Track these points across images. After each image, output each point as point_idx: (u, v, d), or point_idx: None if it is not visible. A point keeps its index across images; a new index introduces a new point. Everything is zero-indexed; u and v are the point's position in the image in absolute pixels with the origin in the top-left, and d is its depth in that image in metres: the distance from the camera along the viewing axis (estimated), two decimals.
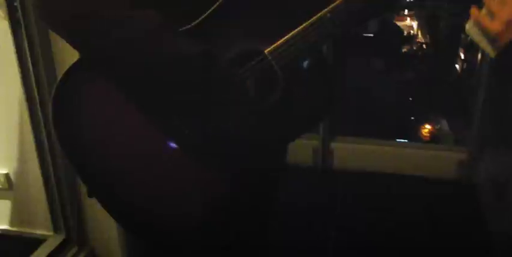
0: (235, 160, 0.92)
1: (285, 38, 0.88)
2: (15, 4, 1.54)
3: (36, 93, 1.61)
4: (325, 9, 0.88)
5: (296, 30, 0.88)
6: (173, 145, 0.88)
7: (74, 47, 0.87)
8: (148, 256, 1.07)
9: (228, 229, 0.99)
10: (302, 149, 2.48)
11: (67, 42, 0.87)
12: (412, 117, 6.95)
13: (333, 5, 0.88)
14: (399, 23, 8.95)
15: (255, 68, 0.89)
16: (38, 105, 1.62)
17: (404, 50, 8.96)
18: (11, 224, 1.83)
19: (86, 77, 0.88)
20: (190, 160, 0.89)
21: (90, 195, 0.92)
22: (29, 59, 1.58)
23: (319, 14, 0.88)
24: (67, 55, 1.56)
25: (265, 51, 0.87)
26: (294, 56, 0.89)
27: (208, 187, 0.91)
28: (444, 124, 7.08)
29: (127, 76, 0.85)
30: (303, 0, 0.92)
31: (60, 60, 1.59)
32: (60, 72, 1.59)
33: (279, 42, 0.88)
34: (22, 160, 1.72)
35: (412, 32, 9.04)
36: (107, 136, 0.88)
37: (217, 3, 0.85)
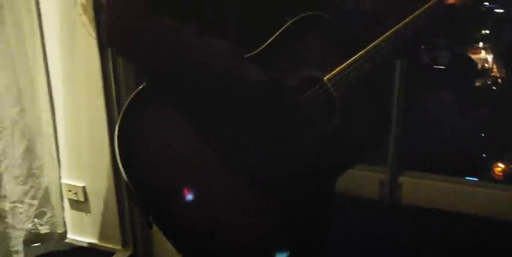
0: (295, 186, 0.94)
1: (343, 66, 0.93)
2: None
3: (116, 112, 1.71)
4: (380, 38, 0.94)
5: (353, 58, 0.93)
6: (237, 171, 0.90)
7: (144, 70, 0.91)
8: None
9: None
10: (368, 181, 2.44)
11: (136, 65, 0.93)
12: (484, 155, 6.67)
13: (387, 34, 0.94)
14: (473, 56, 8.69)
15: (315, 94, 0.93)
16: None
17: (477, 84, 8.67)
18: (85, 235, 1.92)
19: (152, 102, 0.90)
20: (253, 187, 0.91)
21: (150, 225, 0.93)
22: (112, 79, 1.68)
23: (374, 43, 0.94)
24: None
25: (325, 78, 0.92)
26: (351, 83, 0.94)
27: (267, 214, 0.93)
28: None
29: (195, 101, 0.87)
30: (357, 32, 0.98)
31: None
32: None
33: (336, 70, 0.93)
34: (99, 174, 1.81)
35: (486, 65, 8.75)
36: (169, 160, 0.89)
37: (276, 34, 0.91)
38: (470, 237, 2.20)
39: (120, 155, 0.86)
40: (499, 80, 9.01)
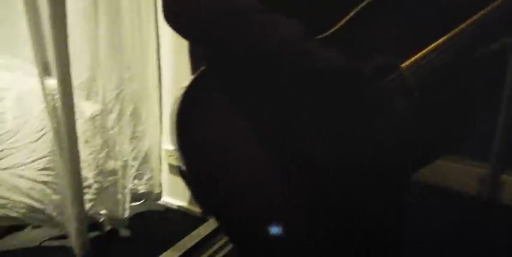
0: (364, 179, 0.88)
1: (423, 52, 0.85)
2: None
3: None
4: (463, 24, 0.85)
5: (433, 45, 0.85)
6: (299, 160, 0.85)
7: (203, 50, 0.86)
8: None
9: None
10: (466, 177, 2.32)
11: (195, 44, 0.87)
12: None
13: (471, 20, 0.85)
14: None
15: (392, 82, 0.86)
16: None
17: None
18: (179, 199, 2.00)
19: (211, 86, 0.85)
20: (316, 178, 0.86)
21: (204, 216, 0.90)
22: None
23: (456, 29, 0.85)
24: None
25: (403, 65, 0.86)
26: (430, 72, 0.86)
27: (335, 211, 0.88)
28: None
29: (257, 85, 0.82)
30: (439, 17, 0.89)
31: None
32: None
33: (416, 57, 0.86)
34: None
35: None
36: (226, 145, 0.85)
37: (351, 14, 0.84)
38: None
39: (178, 137, 0.82)
40: None
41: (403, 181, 0.99)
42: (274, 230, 0.85)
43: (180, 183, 1.94)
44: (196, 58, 0.95)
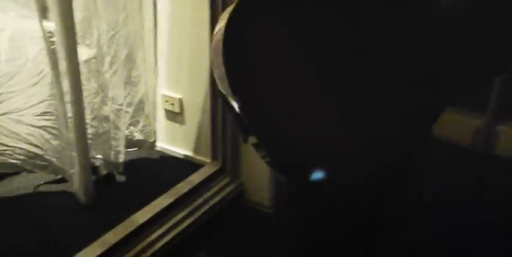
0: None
1: None
2: None
3: None
4: None
5: None
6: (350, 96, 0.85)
7: None
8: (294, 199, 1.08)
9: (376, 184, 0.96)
10: (462, 127, 2.33)
11: None
12: None
13: None
14: None
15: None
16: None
17: None
18: (177, 146, 1.99)
19: (261, 8, 0.81)
20: (367, 107, 0.85)
21: (245, 140, 0.90)
22: None
23: None
24: None
25: None
26: None
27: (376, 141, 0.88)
28: None
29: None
30: None
31: None
32: None
33: None
34: (196, 88, 1.83)
35: None
36: (275, 79, 0.84)
37: None
38: None
39: (225, 59, 0.79)
40: None
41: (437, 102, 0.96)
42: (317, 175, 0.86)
43: (178, 130, 1.96)
44: None
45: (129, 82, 1.88)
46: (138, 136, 1.96)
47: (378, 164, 0.91)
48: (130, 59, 1.84)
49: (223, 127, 1.82)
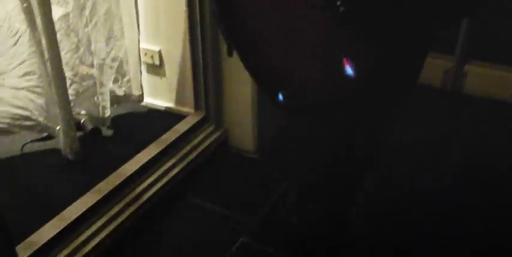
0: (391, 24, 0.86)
1: None
2: None
3: None
4: None
5: None
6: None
7: None
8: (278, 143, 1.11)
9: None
10: (433, 69, 2.42)
11: None
12: None
13: None
14: None
15: None
16: None
17: None
18: (159, 98, 2.02)
19: None
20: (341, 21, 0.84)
21: (230, 54, 0.95)
22: None
23: None
24: None
25: None
26: None
27: (356, 53, 0.87)
28: None
29: None
30: None
31: None
32: None
33: None
34: (175, 39, 1.85)
35: None
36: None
37: None
38: None
39: None
40: None
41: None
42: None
43: (159, 83, 1.98)
44: None
45: (112, 36, 1.87)
46: (122, 91, 1.97)
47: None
48: (110, 14, 1.83)
49: (204, 77, 1.86)
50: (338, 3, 0.82)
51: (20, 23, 1.60)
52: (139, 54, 1.93)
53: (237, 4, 0.90)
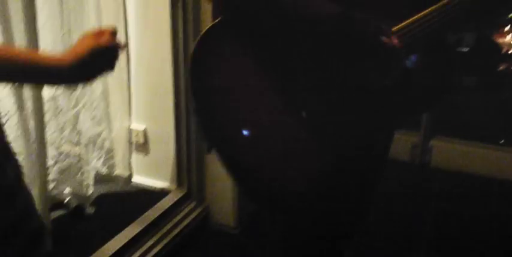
0: (351, 131, 0.97)
1: (410, 20, 0.94)
2: None
3: (182, 63, 1.83)
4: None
5: (421, 14, 0.94)
6: (296, 113, 0.95)
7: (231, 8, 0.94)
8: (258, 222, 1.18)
9: (329, 202, 1.03)
10: (402, 145, 2.56)
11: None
12: (502, 141, 6.59)
13: None
14: (499, 40, 8.61)
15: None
16: (182, 71, 1.84)
17: (501, 68, 8.61)
18: (142, 175, 2.06)
19: (227, 38, 0.95)
20: (308, 127, 0.96)
21: (209, 150, 1.00)
22: (181, 27, 1.78)
23: (442, 2, 0.95)
24: None
25: (393, 29, 0.93)
26: (417, 37, 0.94)
27: (319, 158, 0.97)
28: None
29: (272, 41, 0.93)
30: None
31: None
32: None
33: (404, 23, 0.93)
34: (160, 117, 1.94)
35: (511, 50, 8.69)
36: (235, 96, 0.96)
37: None
38: (492, 198, 2.32)
39: (191, 83, 0.95)
40: None
41: (384, 138, 1.11)
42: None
43: (143, 160, 2.03)
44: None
45: (105, 117, 1.94)
46: (111, 171, 2.00)
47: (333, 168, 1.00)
48: (105, 95, 1.91)
49: (187, 154, 1.92)
50: (303, 114, 0.95)
51: (11, 104, 1.65)
52: (130, 136, 1.99)
53: (213, 103, 0.97)
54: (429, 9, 0.95)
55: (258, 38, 0.95)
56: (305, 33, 0.91)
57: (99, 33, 0.82)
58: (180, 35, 1.78)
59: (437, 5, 0.95)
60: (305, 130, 0.96)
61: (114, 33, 0.82)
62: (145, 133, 1.98)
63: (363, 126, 0.98)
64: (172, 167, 1.96)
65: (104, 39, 0.80)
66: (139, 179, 2.07)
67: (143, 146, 2.01)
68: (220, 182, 1.94)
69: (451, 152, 2.57)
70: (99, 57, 0.80)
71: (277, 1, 0.90)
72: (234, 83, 0.97)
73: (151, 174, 2.04)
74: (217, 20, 0.95)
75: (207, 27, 0.95)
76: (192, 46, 1.75)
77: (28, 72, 0.75)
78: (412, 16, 0.95)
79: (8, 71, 0.73)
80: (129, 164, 2.03)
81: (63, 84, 0.85)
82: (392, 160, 2.35)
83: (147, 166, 2.04)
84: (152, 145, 2.00)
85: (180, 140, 1.91)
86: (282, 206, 1.01)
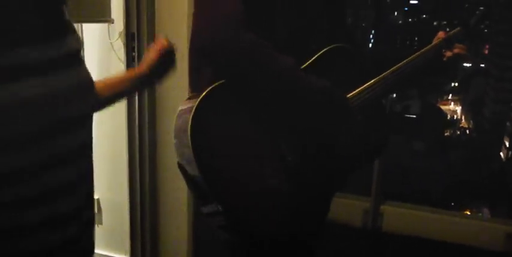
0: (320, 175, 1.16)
1: (360, 88, 1.21)
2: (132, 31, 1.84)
3: (137, 133, 1.88)
4: (387, 72, 1.24)
5: (368, 83, 1.21)
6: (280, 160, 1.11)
7: (228, 76, 1.07)
8: None
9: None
10: (353, 211, 2.63)
11: (223, 72, 1.08)
12: (452, 203, 6.86)
13: (392, 69, 1.25)
14: (443, 107, 9.14)
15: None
16: (137, 142, 1.89)
17: (446, 133, 9.07)
18: (97, 246, 2.02)
19: (223, 101, 1.07)
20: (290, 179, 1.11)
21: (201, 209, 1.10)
22: (136, 102, 1.86)
23: (383, 75, 1.23)
24: (167, 98, 1.84)
25: (348, 95, 1.18)
26: (366, 101, 1.20)
27: (298, 201, 1.13)
28: (486, 212, 6.96)
29: (265, 102, 1.08)
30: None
31: (161, 101, 1.87)
32: (160, 114, 1.87)
33: (356, 91, 1.20)
34: (114, 187, 1.95)
35: (455, 116, 9.22)
36: (233, 153, 1.07)
37: (312, 59, 1.16)
38: None
39: (192, 143, 1.03)
40: (467, 131, 9.44)
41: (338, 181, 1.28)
42: None
43: (97, 230, 1.98)
44: (199, 78, 1.15)
45: None
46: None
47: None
48: None
49: (141, 223, 1.92)
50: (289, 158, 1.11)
51: None
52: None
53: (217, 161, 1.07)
54: (373, 80, 1.22)
55: (251, 99, 1.09)
56: (297, 98, 1.10)
57: (158, 44, 1.13)
58: (136, 104, 1.85)
59: (378, 77, 1.23)
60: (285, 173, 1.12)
61: (167, 40, 1.13)
62: (98, 203, 1.98)
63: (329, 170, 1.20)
64: (126, 237, 1.95)
65: (162, 46, 1.12)
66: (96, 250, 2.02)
67: (96, 216, 1.99)
68: (175, 251, 1.93)
69: (402, 217, 2.65)
70: (163, 59, 1.11)
71: (276, 71, 1.07)
72: (231, 141, 1.09)
73: (105, 244, 2.01)
74: (213, 85, 1.06)
75: (204, 93, 1.04)
76: (145, 114, 1.85)
77: (132, 86, 1.13)
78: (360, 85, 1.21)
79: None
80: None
81: (148, 86, 1.19)
82: (344, 226, 2.44)
83: (100, 236, 2.00)
84: (105, 215, 1.99)
85: (134, 211, 1.92)
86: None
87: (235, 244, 1.18)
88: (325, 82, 1.11)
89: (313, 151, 1.15)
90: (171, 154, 1.82)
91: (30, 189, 0.77)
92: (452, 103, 9.01)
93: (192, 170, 1.06)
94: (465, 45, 1.33)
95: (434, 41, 1.34)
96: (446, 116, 9.09)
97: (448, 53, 1.31)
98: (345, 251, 2.36)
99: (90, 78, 0.88)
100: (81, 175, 0.89)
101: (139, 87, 1.30)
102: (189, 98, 1.13)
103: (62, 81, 0.79)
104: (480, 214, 7.13)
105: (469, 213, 6.90)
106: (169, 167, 1.85)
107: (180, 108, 1.11)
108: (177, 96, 1.77)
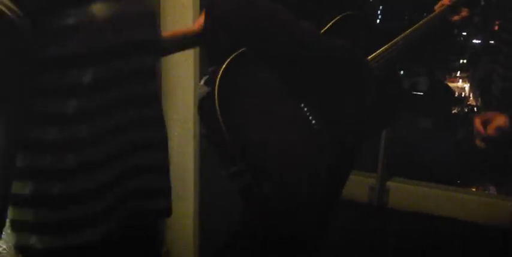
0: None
1: (380, 50, 1.26)
2: None
3: None
4: (398, 37, 1.28)
5: (387, 45, 1.26)
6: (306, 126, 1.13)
7: (248, 44, 1.08)
8: None
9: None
10: (359, 187, 2.63)
11: (240, 39, 1.09)
12: (459, 181, 6.82)
13: (402, 35, 1.29)
14: (451, 84, 9.05)
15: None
16: None
17: (454, 111, 8.99)
18: None
19: (247, 67, 1.09)
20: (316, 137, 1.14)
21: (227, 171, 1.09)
22: None
23: (394, 40, 1.28)
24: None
25: (369, 58, 1.23)
26: (384, 65, 1.24)
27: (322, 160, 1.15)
28: (492, 189, 6.95)
29: (288, 66, 1.10)
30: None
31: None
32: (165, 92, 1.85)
33: (376, 53, 1.25)
34: None
35: (463, 93, 9.11)
36: (259, 115, 1.10)
37: (327, 26, 1.20)
38: (450, 239, 2.39)
39: (219, 106, 1.04)
40: (475, 109, 9.35)
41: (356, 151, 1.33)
42: None
43: None
44: (218, 51, 1.14)
45: None
46: None
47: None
48: None
49: None
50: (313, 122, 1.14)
51: None
52: None
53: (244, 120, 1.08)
54: (384, 46, 1.25)
55: (274, 64, 1.11)
56: (320, 57, 1.11)
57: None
58: None
59: (390, 43, 1.26)
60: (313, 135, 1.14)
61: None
62: None
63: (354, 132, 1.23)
64: None
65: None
66: None
67: None
68: (180, 226, 1.94)
69: (407, 193, 2.65)
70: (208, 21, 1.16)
71: (299, 32, 1.09)
72: (257, 103, 1.11)
73: None
74: (236, 53, 1.07)
75: (228, 61, 1.06)
76: None
77: (185, 40, 1.21)
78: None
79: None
80: None
81: (200, 43, 1.26)
82: (350, 202, 2.45)
83: None
84: None
85: None
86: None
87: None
88: (345, 42, 1.13)
89: (336, 118, 1.17)
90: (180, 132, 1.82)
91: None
92: (460, 80, 8.93)
93: (219, 135, 1.05)
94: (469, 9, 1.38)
95: (438, 8, 1.38)
96: (454, 94, 9.02)
97: (456, 17, 1.36)
98: (350, 227, 2.37)
99: (154, 8, 0.99)
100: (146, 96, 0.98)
101: (189, 45, 1.34)
102: (212, 71, 1.12)
103: (128, 6, 0.89)
104: (486, 191, 7.14)
105: (475, 190, 6.90)
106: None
107: (202, 80, 1.11)
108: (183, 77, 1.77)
